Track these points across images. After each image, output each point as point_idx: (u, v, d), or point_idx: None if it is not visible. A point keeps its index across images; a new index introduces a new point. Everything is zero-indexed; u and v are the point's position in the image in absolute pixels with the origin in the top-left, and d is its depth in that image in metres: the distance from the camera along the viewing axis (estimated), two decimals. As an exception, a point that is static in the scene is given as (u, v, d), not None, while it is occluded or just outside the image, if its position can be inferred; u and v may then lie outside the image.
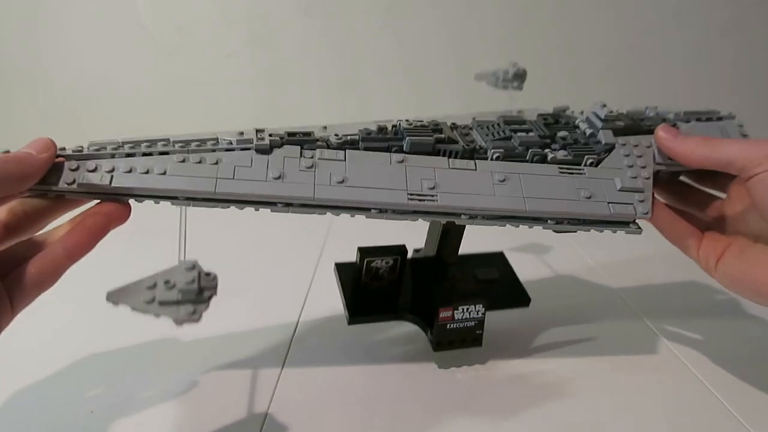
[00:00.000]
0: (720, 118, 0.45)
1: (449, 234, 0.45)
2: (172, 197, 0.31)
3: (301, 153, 0.34)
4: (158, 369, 0.44)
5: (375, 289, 0.45)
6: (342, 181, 0.33)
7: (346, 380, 0.44)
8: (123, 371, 0.44)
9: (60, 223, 0.32)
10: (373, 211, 0.33)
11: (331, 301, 0.53)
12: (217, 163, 0.32)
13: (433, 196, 0.34)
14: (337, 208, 0.33)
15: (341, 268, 0.48)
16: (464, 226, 0.44)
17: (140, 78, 1.19)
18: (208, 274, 0.28)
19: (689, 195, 0.45)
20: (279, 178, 0.32)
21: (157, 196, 0.31)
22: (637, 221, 0.38)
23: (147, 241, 0.60)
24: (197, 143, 0.33)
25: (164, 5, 1.15)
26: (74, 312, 0.52)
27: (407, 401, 0.41)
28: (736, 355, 0.48)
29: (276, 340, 0.49)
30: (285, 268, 0.64)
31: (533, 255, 0.70)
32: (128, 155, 0.31)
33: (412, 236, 0.49)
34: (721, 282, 0.39)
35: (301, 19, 1.17)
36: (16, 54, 1.17)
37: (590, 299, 0.59)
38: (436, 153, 0.36)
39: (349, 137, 0.35)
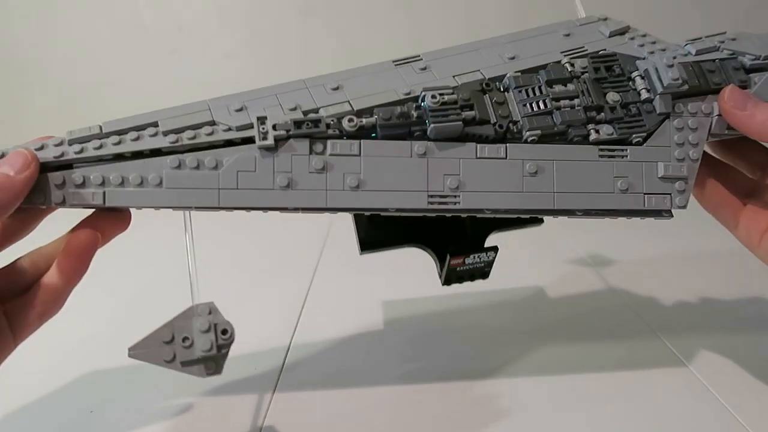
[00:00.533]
0: None
1: None
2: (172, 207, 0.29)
3: (310, 149, 0.30)
4: (140, 393, 0.42)
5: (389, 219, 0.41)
6: (357, 186, 0.30)
7: (342, 404, 0.41)
8: (108, 393, 0.43)
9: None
10: (390, 210, 0.31)
11: (328, 315, 0.52)
12: (217, 167, 0.29)
13: (455, 196, 0.31)
14: (352, 209, 0.31)
15: None
16: None
17: (140, 78, 1.19)
18: (224, 332, 0.27)
19: (734, 158, 0.39)
20: (288, 186, 0.29)
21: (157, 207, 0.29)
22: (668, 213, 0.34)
23: (148, 239, 0.58)
24: (190, 133, 0.30)
25: (164, 5, 1.15)
26: (76, 319, 0.52)
27: (407, 424, 0.39)
28: (761, 374, 0.43)
29: (269, 356, 0.47)
30: (279, 278, 0.61)
31: (530, 255, 0.67)
32: (116, 157, 0.29)
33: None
34: (764, 260, 0.34)
35: (300, 19, 1.17)
36: (16, 54, 1.17)
37: (593, 305, 0.56)
38: (463, 138, 0.32)
39: (364, 122, 0.31)
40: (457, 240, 0.42)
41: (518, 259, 0.60)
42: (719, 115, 0.34)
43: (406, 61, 0.38)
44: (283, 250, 0.69)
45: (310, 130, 0.30)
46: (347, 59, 1.23)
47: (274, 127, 0.30)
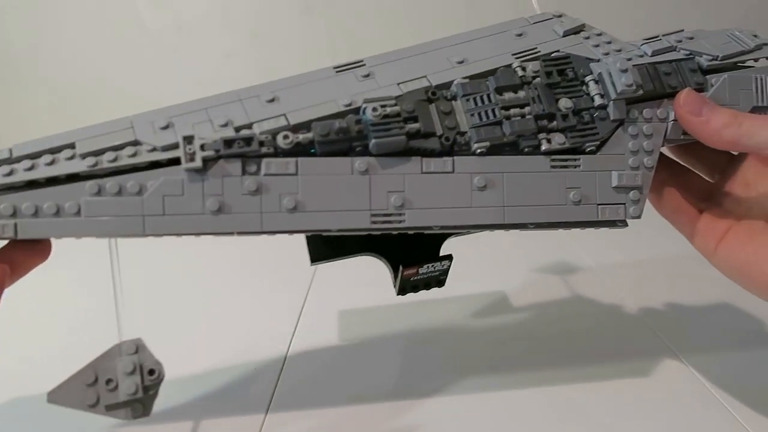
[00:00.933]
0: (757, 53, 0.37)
1: None
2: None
3: (243, 169, 0.28)
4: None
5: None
6: (294, 208, 0.29)
7: (337, 422, 0.39)
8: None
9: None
10: (332, 232, 0.30)
11: (325, 330, 0.51)
12: (140, 192, 0.27)
13: (400, 214, 0.30)
14: (290, 232, 0.29)
15: None
16: None
17: (140, 78, 1.18)
18: (151, 372, 0.26)
19: (689, 160, 0.38)
20: (219, 210, 0.28)
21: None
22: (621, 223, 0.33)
23: (74, 268, 0.56)
24: (111, 155, 0.27)
25: (164, 5, 1.15)
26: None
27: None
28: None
29: (263, 374, 0.45)
30: (272, 293, 0.58)
31: (525, 262, 0.65)
32: (29, 184, 0.27)
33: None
34: (720, 267, 0.33)
35: (300, 18, 1.17)
36: (15, 54, 1.17)
37: (598, 320, 0.52)
38: (407, 152, 0.31)
39: (301, 138, 0.29)
40: (409, 250, 0.40)
41: (506, 269, 0.59)
42: (675, 120, 0.33)
43: (348, 67, 0.36)
44: (276, 265, 0.66)
45: (242, 149, 0.28)
46: (347, 59, 1.22)
47: (202, 147, 0.28)
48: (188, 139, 0.28)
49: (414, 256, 0.39)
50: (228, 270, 0.66)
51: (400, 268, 0.38)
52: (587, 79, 0.34)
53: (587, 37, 0.36)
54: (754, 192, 0.33)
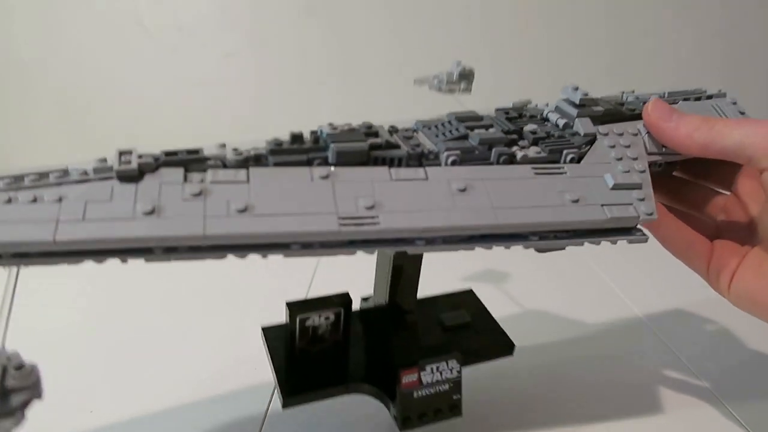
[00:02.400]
0: (709, 97, 0.37)
1: (402, 270, 0.36)
2: None
3: (185, 177, 0.25)
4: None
5: (316, 354, 0.35)
6: (245, 209, 0.24)
7: None
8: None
9: None
10: (293, 247, 0.24)
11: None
12: (60, 200, 0.23)
13: (373, 217, 0.25)
14: (241, 248, 0.24)
15: (270, 333, 0.38)
16: (420, 257, 0.35)
17: (140, 78, 1.18)
18: (19, 368, 0.19)
19: (690, 193, 0.37)
20: (152, 212, 0.23)
21: None
22: (640, 227, 0.30)
23: None
24: (34, 177, 0.24)
25: (164, 5, 1.14)
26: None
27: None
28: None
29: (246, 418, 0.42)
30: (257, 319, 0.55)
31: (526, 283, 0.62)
32: None
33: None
34: (736, 304, 0.32)
35: (301, 18, 1.16)
36: (15, 54, 1.16)
37: (616, 341, 0.49)
38: (372, 162, 0.28)
39: (252, 153, 0.27)
40: (405, 348, 0.35)
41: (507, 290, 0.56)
42: (648, 133, 0.33)
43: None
44: (254, 288, 0.61)
45: (185, 158, 0.25)
46: (347, 59, 1.23)
47: (139, 157, 0.25)
48: (124, 152, 0.25)
49: (412, 354, 0.33)
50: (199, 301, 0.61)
51: (398, 379, 0.32)
52: (545, 113, 0.34)
53: (536, 105, 0.37)
54: (759, 223, 0.32)
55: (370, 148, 0.28)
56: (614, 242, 0.30)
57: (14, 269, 0.22)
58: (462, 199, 0.27)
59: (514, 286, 0.62)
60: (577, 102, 0.32)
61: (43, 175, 0.24)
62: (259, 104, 1.20)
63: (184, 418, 0.41)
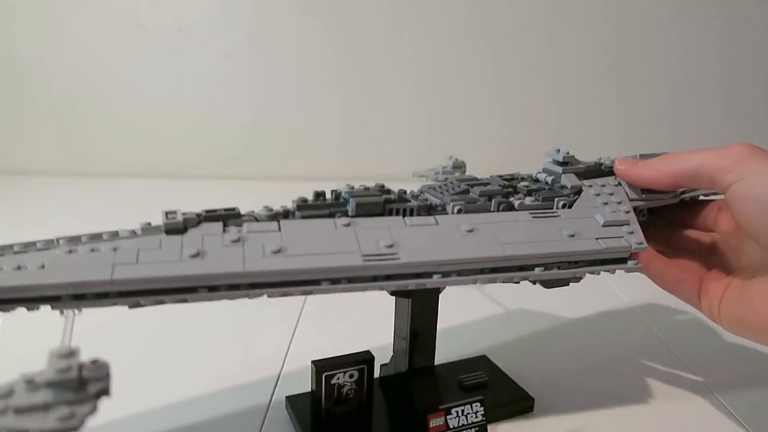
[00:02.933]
0: None
1: (418, 330, 0.38)
2: (52, 298, 0.24)
3: (224, 229, 0.28)
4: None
5: (341, 416, 0.37)
6: (279, 251, 0.27)
7: None
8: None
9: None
10: (323, 283, 0.27)
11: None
12: (115, 250, 0.26)
13: (393, 254, 0.28)
14: (275, 286, 0.27)
15: (294, 404, 0.39)
16: (437, 305, 0.38)
17: (140, 78, 1.18)
18: (94, 362, 0.21)
19: (676, 238, 0.41)
20: (197, 255, 0.26)
21: (32, 299, 0.23)
22: (634, 258, 0.34)
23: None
24: (89, 236, 0.27)
25: (164, 5, 1.15)
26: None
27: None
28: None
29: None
30: (248, 356, 0.50)
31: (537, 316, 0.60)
32: None
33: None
34: (727, 328, 0.34)
35: (300, 19, 1.17)
36: (16, 54, 1.17)
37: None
38: (387, 213, 0.32)
39: (281, 209, 0.30)
40: (428, 401, 0.37)
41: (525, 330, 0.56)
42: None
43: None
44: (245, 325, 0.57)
45: (224, 214, 0.29)
46: (347, 59, 1.23)
47: (183, 214, 0.28)
48: (169, 213, 0.28)
49: (435, 403, 0.35)
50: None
51: (426, 420, 0.34)
52: (535, 175, 0.39)
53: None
54: (736, 252, 0.36)
55: (385, 202, 0.32)
56: (612, 272, 0.33)
57: (72, 314, 0.25)
58: (471, 237, 0.31)
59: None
60: (561, 160, 0.37)
61: (96, 235, 0.27)
62: (259, 104, 1.20)
63: (184, 418, 0.41)
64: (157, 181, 1.17)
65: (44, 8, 1.14)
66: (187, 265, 0.25)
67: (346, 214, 0.31)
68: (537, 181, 0.38)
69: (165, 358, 0.50)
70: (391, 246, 0.29)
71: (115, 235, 0.27)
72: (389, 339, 0.49)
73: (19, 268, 0.24)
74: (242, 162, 1.22)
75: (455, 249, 0.30)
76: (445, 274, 0.30)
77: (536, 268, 0.31)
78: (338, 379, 0.36)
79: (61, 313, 0.24)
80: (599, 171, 0.39)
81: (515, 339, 0.54)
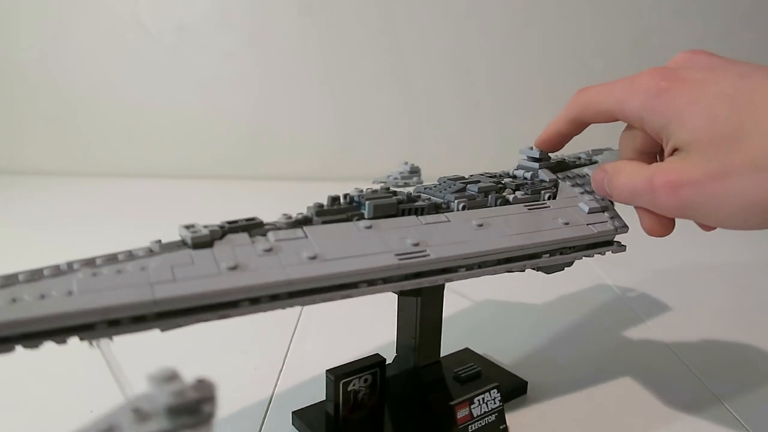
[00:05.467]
0: None
1: (428, 325, 0.39)
2: (84, 327, 0.21)
3: (251, 240, 0.28)
4: None
5: (357, 422, 0.37)
6: (315, 257, 0.27)
7: None
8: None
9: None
10: (360, 286, 0.28)
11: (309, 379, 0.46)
12: (144, 269, 0.24)
13: (422, 251, 0.30)
14: (315, 293, 0.27)
15: (304, 417, 0.39)
16: (443, 301, 0.40)
17: (140, 78, 1.18)
18: (201, 381, 0.19)
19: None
20: (235, 267, 0.25)
21: (61, 330, 0.21)
22: (618, 239, 0.38)
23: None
24: (105, 257, 0.25)
25: (164, 5, 1.15)
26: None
27: None
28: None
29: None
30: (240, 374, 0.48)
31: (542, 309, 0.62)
32: (2, 287, 0.22)
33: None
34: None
35: (299, 18, 1.17)
36: (16, 55, 1.17)
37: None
38: (400, 214, 0.33)
39: (300, 216, 0.30)
40: (441, 396, 0.38)
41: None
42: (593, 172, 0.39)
43: None
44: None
45: (247, 224, 0.28)
46: (347, 59, 1.23)
47: (205, 227, 0.27)
48: (189, 226, 0.27)
49: (447, 392, 0.36)
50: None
51: (454, 411, 0.35)
52: (512, 172, 0.42)
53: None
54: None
55: (397, 202, 0.33)
56: (603, 254, 0.37)
57: (108, 343, 0.23)
58: (483, 231, 0.33)
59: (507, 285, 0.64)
60: (537, 156, 0.40)
61: (112, 256, 0.25)
62: (258, 104, 1.20)
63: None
64: (157, 181, 1.17)
65: (44, 9, 1.14)
66: (229, 278, 0.24)
67: (362, 216, 0.32)
68: (515, 177, 0.41)
69: (165, 359, 0.49)
70: (417, 244, 0.30)
71: (130, 255, 0.25)
72: (380, 341, 0.50)
73: (43, 296, 0.21)
74: (241, 162, 1.22)
75: (475, 243, 0.32)
76: (468, 268, 0.31)
77: (543, 256, 0.34)
78: (354, 385, 0.36)
79: (91, 344, 0.22)
80: (566, 165, 0.43)
81: (490, 330, 0.56)
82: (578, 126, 0.37)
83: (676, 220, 0.33)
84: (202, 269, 0.25)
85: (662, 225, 0.34)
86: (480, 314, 0.60)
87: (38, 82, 1.18)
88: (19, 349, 0.21)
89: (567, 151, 0.45)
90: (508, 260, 0.33)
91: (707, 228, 0.34)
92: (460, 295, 0.63)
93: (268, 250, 0.27)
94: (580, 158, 0.45)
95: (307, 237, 0.29)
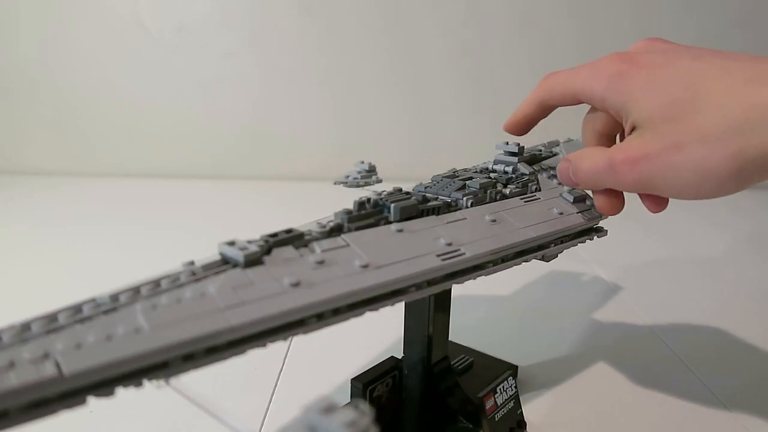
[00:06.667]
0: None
1: (439, 312, 0.40)
2: (158, 366, 0.20)
3: (297, 252, 0.27)
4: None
5: (381, 429, 0.38)
6: (367, 266, 0.27)
7: None
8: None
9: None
10: (410, 290, 0.28)
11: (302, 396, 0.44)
12: (204, 295, 0.22)
13: (457, 250, 0.30)
14: (372, 302, 0.27)
15: None
16: (450, 299, 0.40)
17: (140, 78, 1.18)
18: (358, 406, 0.18)
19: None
20: (298, 284, 0.24)
21: (135, 373, 0.19)
22: (600, 226, 0.40)
23: None
24: (150, 285, 0.23)
25: (164, 5, 1.15)
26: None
27: None
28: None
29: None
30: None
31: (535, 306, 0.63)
32: (50, 332, 0.19)
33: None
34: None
35: (299, 18, 1.17)
36: (16, 55, 1.17)
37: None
38: (420, 214, 0.33)
39: (332, 224, 0.30)
40: (455, 390, 0.38)
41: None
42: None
43: None
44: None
45: (288, 237, 0.28)
46: (347, 59, 1.23)
47: (249, 242, 0.26)
48: (230, 242, 0.26)
49: (467, 390, 0.37)
50: None
51: (483, 402, 0.36)
52: (491, 166, 0.43)
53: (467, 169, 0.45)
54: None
55: (417, 203, 0.33)
56: (591, 239, 0.39)
57: (173, 382, 0.21)
58: (498, 226, 0.34)
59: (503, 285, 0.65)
60: (516, 151, 0.42)
61: (155, 283, 0.23)
62: (258, 104, 1.20)
63: (183, 418, 0.41)
64: (157, 181, 1.17)
65: (44, 9, 1.14)
66: (297, 296, 0.24)
67: (387, 219, 0.32)
68: (493, 171, 0.42)
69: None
70: (450, 244, 0.31)
71: (177, 280, 0.23)
72: (381, 340, 0.50)
73: (109, 338, 0.19)
74: (241, 162, 1.22)
75: (498, 237, 0.33)
76: (494, 263, 0.32)
77: (552, 245, 0.36)
78: (378, 390, 0.36)
79: (159, 384, 0.20)
80: (537, 158, 0.44)
81: (467, 320, 0.57)
82: (545, 109, 0.39)
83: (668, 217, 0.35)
84: (266, 289, 0.24)
85: (612, 204, 0.36)
86: (459, 307, 0.60)
87: (38, 82, 1.18)
88: (91, 399, 0.19)
89: (527, 144, 0.46)
90: (522, 252, 0.34)
91: (656, 207, 0.36)
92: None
93: (320, 263, 0.26)
94: (540, 151, 0.46)
95: (349, 245, 0.28)
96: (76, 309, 0.21)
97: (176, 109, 1.20)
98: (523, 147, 0.43)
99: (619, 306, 0.61)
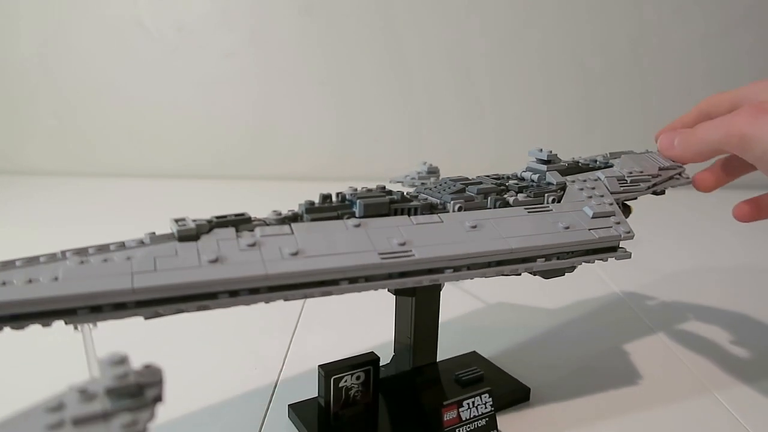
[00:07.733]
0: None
1: (422, 327, 0.39)
2: (67, 311, 0.23)
3: (237, 234, 0.28)
4: None
5: (349, 419, 0.37)
6: (296, 253, 0.27)
7: None
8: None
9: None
10: (342, 283, 0.28)
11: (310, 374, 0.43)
12: (129, 259, 0.25)
13: (407, 251, 0.29)
14: (295, 288, 0.27)
15: (299, 411, 0.39)
16: (439, 302, 0.40)
17: (140, 78, 1.19)
18: (147, 367, 0.20)
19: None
20: (216, 260, 0.26)
21: (46, 313, 0.22)
22: (623, 245, 0.36)
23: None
24: (97, 247, 0.26)
25: (164, 5, 1.15)
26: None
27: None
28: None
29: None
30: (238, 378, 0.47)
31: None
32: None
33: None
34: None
35: (299, 18, 1.17)
36: (16, 55, 1.17)
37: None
38: (392, 213, 0.33)
39: (289, 213, 0.31)
40: (434, 397, 0.38)
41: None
42: (606, 177, 0.41)
43: None
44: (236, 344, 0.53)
45: (235, 220, 0.29)
46: (347, 59, 1.23)
47: (193, 221, 0.28)
48: (179, 220, 0.28)
49: (442, 398, 0.36)
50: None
51: (441, 413, 0.35)
52: (520, 173, 0.41)
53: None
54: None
55: (390, 202, 0.32)
56: (605, 260, 0.36)
57: (86, 329, 0.24)
58: (475, 233, 0.32)
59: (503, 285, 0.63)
60: (545, 158, 0.40)
61: (103, 246, 0.26)
62: (258, 104, 1.20)
63: (183, 418, 0.41)
64: (157, 181, 1.17)
65: (44, 9, 1.14)
66: (208, 271, 0.25)
67: (353, 215, 0.32)
68: (522, 179, 0.40)
69: (165, 361, 0.49)
70: (403, 244, 0.30)
71: (122, 245, 0.26)
72: (381, 340, 0.49)
73: (30, 281, 0.23)
74: (241, 162, 1.22)
75: (464, 244, 0.31)
76: (456, 269, 0.31)
77: (538, 260, 0.33)
78: (345, 381, 0.36)
79: (75, 328, 0.24)
80: (578, 168, 0.42)
81: (500, 333, 0.55)
82: (704, 118, 0.42)
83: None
84: (183, 261, 0.25)
85: (717, 178, 0.41)
86: (492, 317, 0.59)
87: (38, 82, 1.18)
88: (7, 329, 0.22)
89: (584, 154, 0.45)
90: (499, 263, 0.32)
91: (706, 186, 0.42)
92: (474, 297, 0.62)
93: (252, 245, 0.27)
94: (596, 161, 0.44)
95: (293, 233, 0.29)
96: (33, 259, 0.24)
97: (176, 109, 1.20)
98: (555, 155, 0.41)
99: (654, 337, 0.59)
